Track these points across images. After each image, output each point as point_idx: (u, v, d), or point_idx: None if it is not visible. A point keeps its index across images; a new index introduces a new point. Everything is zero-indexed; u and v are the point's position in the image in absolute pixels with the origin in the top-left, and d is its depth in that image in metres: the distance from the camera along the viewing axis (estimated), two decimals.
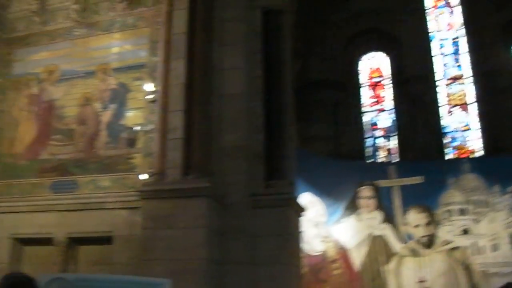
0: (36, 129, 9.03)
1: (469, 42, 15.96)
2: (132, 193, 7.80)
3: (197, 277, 6.71)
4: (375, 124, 16.03)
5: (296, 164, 8.28)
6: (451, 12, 16.72)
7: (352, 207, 10.28)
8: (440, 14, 16.77)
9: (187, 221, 6.94)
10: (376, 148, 15.63)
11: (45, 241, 8.36)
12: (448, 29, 16.53)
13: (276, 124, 7.86)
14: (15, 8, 9.87)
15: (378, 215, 10.16)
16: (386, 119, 15.88)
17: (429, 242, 10.03)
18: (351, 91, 16.05)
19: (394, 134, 15.51)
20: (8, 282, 2.80)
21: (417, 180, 10.35)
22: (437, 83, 16.01)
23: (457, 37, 16.37)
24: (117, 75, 8.74)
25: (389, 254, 9.90)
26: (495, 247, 10.10)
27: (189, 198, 7.01)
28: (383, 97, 16.21)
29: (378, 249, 9.93)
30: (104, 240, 8.01)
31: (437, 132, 15.08)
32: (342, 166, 10.88)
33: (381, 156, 15.39)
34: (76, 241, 8.31)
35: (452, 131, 15.30)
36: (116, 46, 8.91)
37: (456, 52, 16.15)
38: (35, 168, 8.79)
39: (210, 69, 7.74)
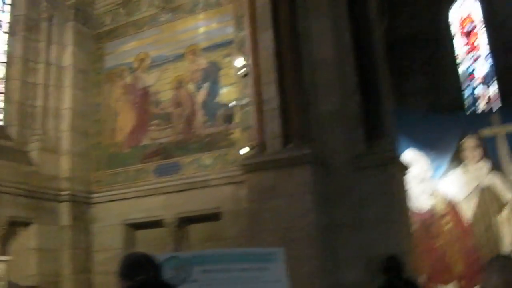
0: (135, 117, 9.85)
1: None
2: (234, 168, 8.33)
3: (307, 244, 7.09)
4: (471, 73, 15.73)
5: (396, 121, 8.47)
6: None
7: (457, 160, 10.27)
8: None
9: (292, 189, 7.35)
10: (475, 98, 15.36)
11: (155, 224, 9.22)
12: None
13: (370, 83, 8.07)
14: (100, 4, 10.73)
15: (485, 165, 10.10)
16: (482, 67, 15.53)
17: None
18: (443, 43, 15.83)
19: (493, 80, 15.15)
20: (130, 261, 3.01)
21: None
22: None
23: None
24: (206, 55, 9.33)
25: (500, 204, 9.86)
26: None
27: (292, 166, 7.42)
28: (477, 44, 15.85)
29: (488, 200, 9.91)
30: (212, 217, 8.73)
31: None
32: (443, 119, 10.84)
33: (482, 105, 15.10)
34: (185, 221, 9.10)
35: None
36: (202, 26, 9.51)
37: None
38: (138, 155, 9.66)
39: (297, 37, 8.10)
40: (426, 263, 9.15)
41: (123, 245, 9.53)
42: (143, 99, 9.86)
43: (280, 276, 5.36)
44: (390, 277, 5.29)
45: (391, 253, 6.23)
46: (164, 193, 9.14)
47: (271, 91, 7.84)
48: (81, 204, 9.84)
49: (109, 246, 9.60)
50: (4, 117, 9.75)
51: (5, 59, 10.02)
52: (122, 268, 2.97)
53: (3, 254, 8.48)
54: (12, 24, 10.17)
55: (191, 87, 9.41)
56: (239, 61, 8.84)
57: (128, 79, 10.14)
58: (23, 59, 9.98)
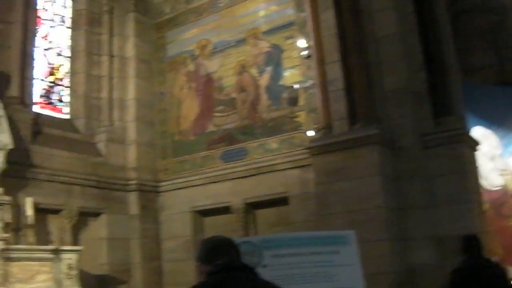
0: (199, 104, 10.31)
1: None
2: (301, 151, 8.57)
3: (377, 225, 7.25)
4: None
5: (463, 97, 8.46)
6: None
7: None
8: None
9: (360, 171, 7.53)
10: None
11: (223, 210, 9.67)
12: None
13: (436, 59, 8.13)
14: None
15: None
16: None
17: None
18: (510, 14, 15.41)
19: None
20: (209, 244, 2.95)
21: None
22: None
23: None
24: (268, 38, 9.63)
25: None
26: None
27: (359, 147, 7.59)
28: None
29: None
30: (280, 201, 9.05)
31: None
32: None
33: None
34: (253, 206, 9.50)
35: None
36: (262, 10, 9.81)
37: None
38: (203, 142, 10.14)
39: (359, 14, 8.23)
40: (497, 244, 9.10)
41: (191, 232, 10.05)
42: (207, 86, 10.27)
43: (352, 260, 5.42)
44: (469, 257, 5.23)
45: (470, 233, 6.26)
46: (231, 179, 9.55)
47: (335, 72, 8.02)
48: (149, 193, 10.42)
49: (177, 233, 10.17)
50: (70, 110, 10.39)
51: (69, 54, 10.57)
52: (201, 253, 2.94)
53: (75, 244, 9.12)
54: (74, 19, 10.82)
55: (254, 71, 9.75)
56: (301, 43, 9.08)
57: (191, 67, 10.59)
58: (86, 52, 10.62)
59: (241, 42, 9.96)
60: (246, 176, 9.36)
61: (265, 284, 2.80)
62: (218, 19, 10.33)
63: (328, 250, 5.64)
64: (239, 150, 9.59)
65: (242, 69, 9.84)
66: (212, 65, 10.29)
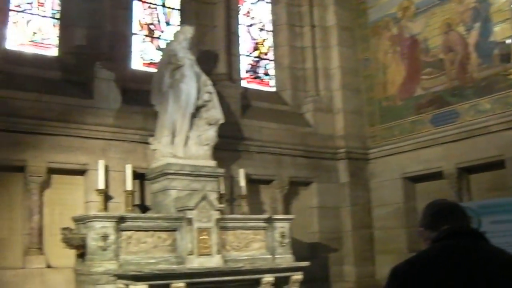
0: (405, 68, 11.11)
1: None
2: None
3: None
4: None
5: None
6: None
7: None
8: None
9: None
10: None
11: (434, 176, 10.36)
12: None
13: None
14: None
15: None
16: None
17: None
18: None
19: None
20: (434, 209, 2.98)
21: None
22: None
23: None
24: None
25: None
26: None
27: None
28: None
29: None
30: (495, 165, 9.43)
31: None
32: None
33: None
34: (465, 171, 10.04)
35: None
36: None
37: None
38: (411, 106, 10.93)
39: None
40: None
41: (402, 199, 10.91)
42: (412, 49, 10.99)
43: None
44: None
45: None
46: (442, 143, 10.17)
47: None
48: (358, 161, 11.52)
49: (388, 200, 11.11)
50: (276, 83, 11.73)
51: (271, 28, 11.85)
52: (426, 217, 2.96)
53: (286, 213, 10.30)
54: None
55: (461, 29, 10.19)
56: None
57: (394, 30, 11.40)
58: (288, 25, 11.99)
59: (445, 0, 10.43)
60: (458, 140, 9.85)
61: (500, 252, 2.71)
62: None
63: None
64: (449, 113, 10.11)
65: (448, 28, 10.32)
66: (416, 27, 10.95)
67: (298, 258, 8.98)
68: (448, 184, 10.00)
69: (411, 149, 10.64)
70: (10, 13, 9.07)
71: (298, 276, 8.63)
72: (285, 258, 8.86)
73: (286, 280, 8.63)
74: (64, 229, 7.54)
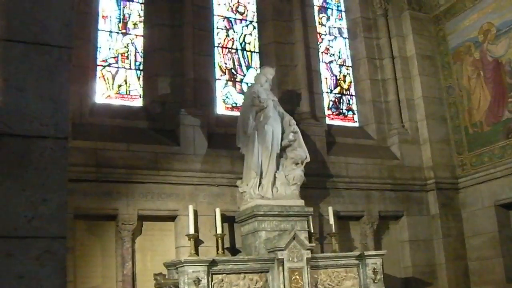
0: (490, 92, 10.95)
1: None
2: None
3: None
4: None
5: None
6: None
7: None
8: None
9: None
10: None
11: None
12: None
13: None
14: None
15: None
16: None
17: None
18: None
19: None
20: None
21: None
22: None
23: None
24: None
25: None
26: None
27: None
28: None
29: None
30: None
31: None
32: None
33: None
34: None
35: None
36: None
37: None
38: (500, 131, 10.69)
39: None
40: None
41: (497, 227, 10.54)
42: (496, 72, 10.80)
43: None
44: None
45: None
46: None
47: None
48: (448, 191, 11.28)
49: (482, 230, 10.76)
50: (360, 117, 11.80)
51: (351, 63, 11.94)
52: None
53: (377, 248, 10.19)
54: (351, 28, 12.39)
55: None
56: None
57: (476, 54, 11.23)
58: (368, 58, 12.02)
59: None
60: None
61: None
62: (497, 0, 10.71)
63: None
64: None
65: None
66: (498, 49, 10.75)
67: None
68: None
69: (502, 175, 10.35)
70: (97, 68, 9.58)
71: None
72: None
73: None
74: (157, 275, 7.75)
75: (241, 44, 11.09)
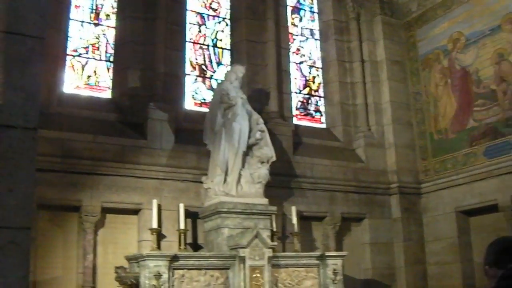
0: (456, 100, 11.11)
1: None
2: None
3: None
4: None
5: None
6: None
7: None
8: None
9: None
10: None
11: (489, 209, 10.13)
12: None
13: None
14: None
15: None
16: None
17: None
18: None
19: None
20: (499, 246, 2.95)
21: None
22: None
23: None
24: None
25: None
26: None
27: None
28: None
29: None
30: None
31: None
32: None
33: None
34: None
35: None
36: None
37: None
38: (464, 138, 10.83)
39: None
40: None
41: (456, 233, 10.70)
42: (463, 80, 10.96)
43: None
44: None
45: None
46: (496, 176, 10.00)
47: None
48: (411, 195, 11.43)
49: (442, 235, 10.93)
50: (327, 119, 11.84)
51: (321, 64, 12.02)
52: (490, 255, 2.93)
53: (339, 249, 10.26)
54: (323, 30, 12.45)
55: None
56: None
57: (445, 62, 11.39)
58: (338, 61, 12.06)
59: (495, 30, 10.36)
60: None
61: None
62: (469, 9, 10.88)
63: None
64: (503, 144, 9.97)
65: (500, 58, 10.25)
66: (466, 58, 10.91)
67: None
68: (504, 217, 9.77)
69: (464, 182, 10.51)
70: (67, 57, 9.49)
71: None
72: None
73: None
74: (118, 268, 7.70)
75: (212, 40, 11.06)
